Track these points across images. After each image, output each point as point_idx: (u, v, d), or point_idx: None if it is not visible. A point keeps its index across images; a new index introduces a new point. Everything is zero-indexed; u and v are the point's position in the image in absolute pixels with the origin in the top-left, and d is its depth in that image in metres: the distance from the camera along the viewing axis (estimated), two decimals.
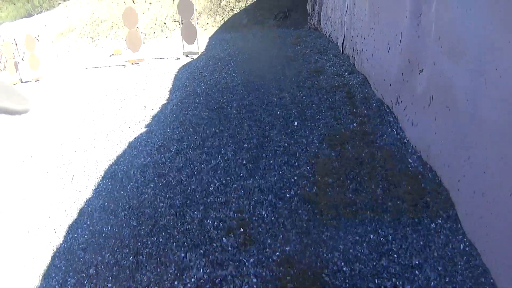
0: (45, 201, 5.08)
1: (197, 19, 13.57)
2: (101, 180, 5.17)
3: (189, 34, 9.80)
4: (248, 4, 13.86)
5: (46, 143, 6.57)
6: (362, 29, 6.49)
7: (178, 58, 9.91)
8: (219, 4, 14.21)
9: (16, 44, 16.69)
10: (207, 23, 13.69)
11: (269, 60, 8.44)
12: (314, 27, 11.51)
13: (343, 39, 8.14)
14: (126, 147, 5.64)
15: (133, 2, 16.13)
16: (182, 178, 4.58)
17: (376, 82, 5.77)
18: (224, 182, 4.36)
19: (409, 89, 4.42)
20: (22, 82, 12.69)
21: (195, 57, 9.69)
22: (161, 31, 14.40)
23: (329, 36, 9.79)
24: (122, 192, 4.68)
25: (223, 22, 13.59)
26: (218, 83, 7.28)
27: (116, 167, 5.28)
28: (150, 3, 15.74)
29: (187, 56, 9.89)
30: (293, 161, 4.51)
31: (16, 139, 7.15)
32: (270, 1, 13.66)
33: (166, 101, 6.87)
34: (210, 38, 12.13)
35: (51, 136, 6.77)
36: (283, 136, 5.04)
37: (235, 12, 13.75)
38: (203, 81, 7.54)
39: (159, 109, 6.57)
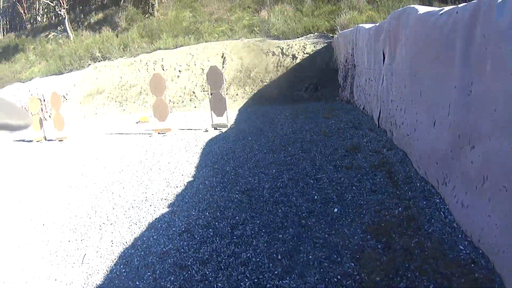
0: (51, 280, 4.50)
1: (227, 89, 13.48)
2: (114, 264, 4.61)
3: (218, 106, 9.59)
4: (278, 75, 13.78)
5: (60, 212, 6.10)
6: (401, 102, 6.14)
7: (206, 130, 9.66)
8: (249, 75, 14.18)
9: (44, 100, 16.92)
10: (237, 94, 13.59)
11: (302, 136, 8.07)
12: (346, 99, 11.23)
13: (379, 113, 7.78)
14: (145, 228, 5.13)
15: (163, 69, 16.31)
16: (207, 272, 4.00)
17: (419, 159, 5.32)
18: (256, 280, 3.76)
19: (458, 168, 4.00)
20: (46, 139, 12.63)
21: (224, 130, 9.43)
22: (190, 100, 14.35)
23: (363, 109, 9.46)
24: (137, 282, 4.10)
25: (253, 93, 13.48)
26: (249, 160, 6.86)
27: (132, 251, 4.73)
28: (179, 71, 15.87)
29: (215, 128, 9.64)
30: (335, 256, 3.93)
31: (29, 203, 6.70)
32: (300, 73, 13.57)
33: (192, 178, 6.43)
34: (239, 110, 11.94)
35: (66, 205, 6.30)
36: (323, 225, 4.49)
37: (265, 83, 13.66)
38: (232, 157, 7.14)
39: (184, 187, 6.11)
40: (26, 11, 40.69)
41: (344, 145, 7.11)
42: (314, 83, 12.99)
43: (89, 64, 19.36)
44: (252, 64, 14.57)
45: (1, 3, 43.28)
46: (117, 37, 20.85)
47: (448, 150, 4.21)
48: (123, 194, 6.32)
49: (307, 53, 14.28)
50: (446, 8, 4.32)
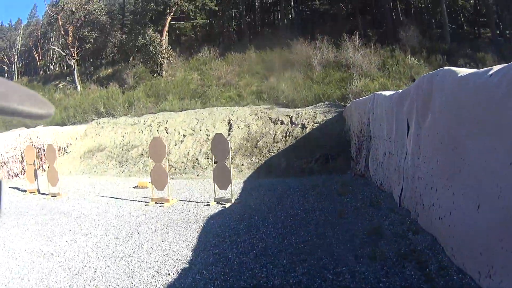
0: None
1: (232, 158, 12.80)
2: None
3: (222, 178, 8.85)
4: (287, 146, 13.16)
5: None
6: (432, 179, 5.37)
7: (208, 204, 8.84)
8: (256, 144, 13.57)
9: (44, 150, 16.24)
10: (242, 164, 12.91)
11: (316, 217, 7.25)
12: (360, 173, 10.48)
13: (401, 190, 7.02)
14: None
15: (166, 132, 15.78)
16: None
17: (455, 247, 4.49)
18: None
19: (507, 258, 3.32)
20: (39, 192, 12.02)
21: (227, 205, 8.61)
22: (193, 167, 13.65)
23: (381, 184, 8.70)
24: None
25: (259, 164, 12.79)
26: (255, 246, 5.97)
27: None
28: (183, 135, 15.30)
29: (218, 203, 8.83)
30: None
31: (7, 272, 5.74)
32: (310, 143, 12.94)
33: (187, 265, 5.51)
34: (245, 182, 11.18)
35: (39, 280, 5.34)
36: None
37: (273, 153, 13.00)
38: (236, 241, 6.24)
39: (177, 277, 5.18)
40: (41, 58, 41.44)
41: (364, 228, 6.29)
42: (325, 154, 12.32)
43: (93, 119, 18.97)
44: (260, 133, 14.01)
45: (19, 47, 44.25)
46: (123, 94, 20.62)
47: (495, 238, 3.48)
48: (106, 275, 5.38)
49: (317, 123, 13.74)
50: (497, 68, 3.64)
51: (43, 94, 26.66)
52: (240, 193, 9.79)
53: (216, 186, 8.97)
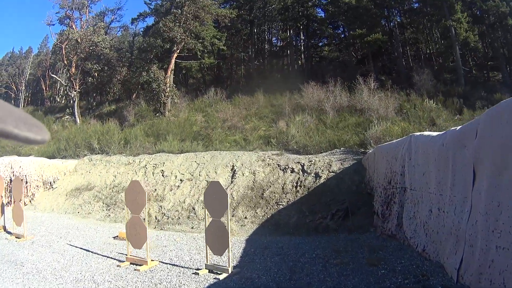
0: None
1: (233, 210, 10.72)
2: None
3: (217, 240, 6.76)
4: (298, 197, 11.11)
5: None
6: None
7: (197, 273, 6.66)
8: (262, 194, 11.54)
9: (26, 183, 14.31)
10: (245, 217, 10.83)
11: None
12: (390, 233, 8.39)
13: (461, 260, 5.00)
14: None
15: (162, 175, 13.82)
16: None
17: None
18: None
19: None
20: (5, 230, 10.35)
21: (222, 276, 6.42)
22: (188, 217, 11.57)
23: (423, 250, 6.64)
24: None
25: (265, 218, 10.69)
26: None
27: None
28: (180, 180, 13.33)
29: (210, 271, 6.67)
30: None
31: None
32: (325, 196, 10.91)
33: None
34: (247, 242, 9.07)
35: None
36: None
37: (281, 206, 10.93)
38: None
39: None
40: (48, 89, 40.37)
41: None
42: (343, 209, 10.24)
43: (85, 155, 17.12)
44: (267, 182, 12.00)
45: (27, 75, 43.34)
46: (121, 131, 18.83)
47: None
48: None
49: (332, 172, 11.75)
50: None
51: (45, 124, 25.16)
52: (240, 257, 7.66)
53: (208, 249, 6.87)
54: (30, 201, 14.42)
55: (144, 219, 7.36)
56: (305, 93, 19.53)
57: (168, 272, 6.80)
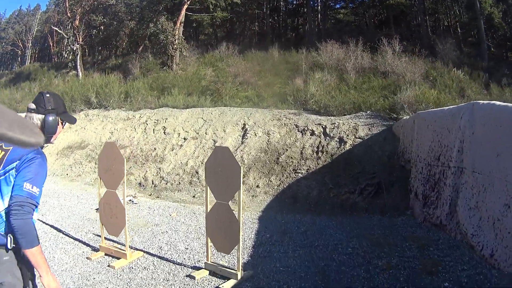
0: None
1: (243, 177, 8.49)
2: None
3: (223, 233, 4.48)
4: (319, 165, 8.85)
5: None
6: None
7: (193, 276, 4.42)
8: (277, 158, 9.28)
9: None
10: (257, 186, 8.61)
11: None
12: (436, 221, 6.17)
13: None
14: None
15: (164, 132, 11.58)
16: None
17: None
18: None
19: None
20: None
21: (228, 285, 4.17)
22: (190, 183, 9.38)
23: (491, 256, 4.39)
24: None
25: (281, 188, 8.46)
26: None
27: None
28: (184, 138, 11.08)
29: (212, 274, 4.46)
30: None
31: None
32: (352, 166, 8.66)
33: None
34: (261, 221, 6.84)
35: None
36: None
37: (300, 174, 8.69)
38: None
39: None
40: (55, 45, 37.76)
41: None
42: (374, 184, 8.01)
43: (82, 110, 14.80)
44: (283, 144, 9.71)
45: (34, 32, 40.71)
46: (123, 83, 16.46)
47: None
48: None
49: (359, 138, 9.42)
50: None
51: (40, 79, 22.82)
52: (252, 248, 5.42)
53: (210, 243, 4.61)
54: None
55: (122, 199, 5.03)
56: (323, 52, 16.90)
57: (152, 272, 4.61)
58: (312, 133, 9.88)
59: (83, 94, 15.23)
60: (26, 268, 2.25)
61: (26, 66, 32.02)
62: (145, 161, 10.78)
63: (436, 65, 16.93)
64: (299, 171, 8.74)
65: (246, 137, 10.19)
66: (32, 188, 2.12)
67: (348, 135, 9.56)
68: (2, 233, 2.13)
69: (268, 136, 9.98)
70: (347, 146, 9.26)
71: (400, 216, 7.00)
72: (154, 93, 14.79)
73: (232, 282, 4.13)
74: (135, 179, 10.14)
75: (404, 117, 9.70)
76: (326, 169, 8.71)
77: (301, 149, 9.41)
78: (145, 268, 4.72)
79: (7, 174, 2.17)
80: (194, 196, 8.70)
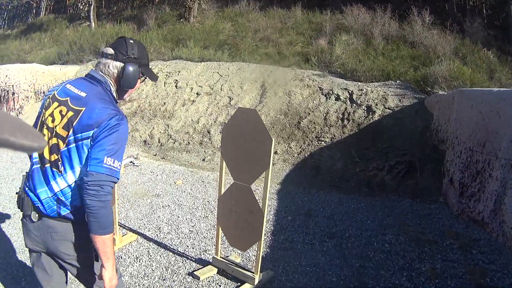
0: None
1: None
2: None
3: (239, 225, 3.25)
4: (345, 134, 7.59)
5: None
6: None
7: (197, 276, 3.24)
8: (299, 123, 8.01)
9: (13, 94, 11.07)
10: (275, 152, 7.38)
11: None
12: (477, 217, 4.98)
13: None
14: None
15: (176, 86, 10.26)
16: None
17: None
18: None
19: None
20: None
21: None
22: (200, 143, 8.19)
23: None
24: None
25: (302, 157, 7.23)
26: None
27: None
28: (197, 94, 9.82)
29: (220, 272, 3.32)
30: None
31: None
32: (380, 137, 7.41)
33: None
34: (280, 197, 5.64)
35: None
36: None
37: (323, 143, 7.45)
38: None
39: None
40: None
41: None
42: (406, 163, 6.77)
43: (90, 60, 13.45)
44: (305, 107, 8.42)
45: None
46: (136, 34, 15.02)
47: None
48: None
49: (389, 108, 8.11)
50: None
51: (52, 29, 21.29)
52: (271, 235, 4.29)
53: (222, 236, 3.45)
54: (17, 116, 11.11)
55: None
56: (349, 14, 15.23)
57: (145, 267, 3.48)
58: (337, 98, 8.56)
59: (92, 44, 13.80)
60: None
61: (40, 17, 30.25)
62: (152, 116, 9.56)
63: (465, 42, 15.30)
64: (322, 139, 7.49)
65: (264, 96, 8.86)
66: (113, 163, 1.73)
67: (377, 104, 8.24)
68: (68, 207, 1.80)
69: (289, 97, 8.66)
70: (376, 117, 7.96)
71: (433, 203, 5.81)
72: (168, 44, 13.36)
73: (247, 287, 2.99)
74: (140, 136, 8.96)
75: (439, 92, 8.33)
76: (352, 139, 7.45)
77: (324, 114, 8.12)
78: (137, 258, 3.59)
79: (79, 142, 1.76)
80: (204, 160, 7.51)
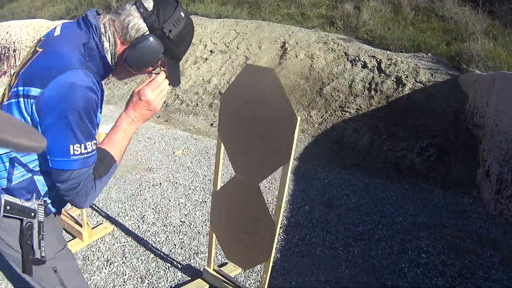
0: None
1: None
2: None
3: (240, 241, 2.12)
4: (372, 106, 6.44)
5: None
6: None
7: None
8: (321, 89, 6.85)
9: (14, 51, 9.97)
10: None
11: None
12: (511, 221, 4.01)
13: None
14: None
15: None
16: None
17: None
18: None
19: None
20: None
21: None
22: (209, 106, 7.09)
23: None
24: None
25: (323, 128, 6.11)
26: None
27: None
28: (211, 51, 8.64)
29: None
30: None
31: None
32: (411, 114, 6.26)
33: None
34: (297, 176, 4.55)
35: None
36: None
37: (348, 114, 6.31)
38: None
39: None
40: None
41: None
42: (438, 146, 5.66)
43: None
44: (328, 73, 7.23)
45: None
46: None
47: None
48: None
49: (420, 82, 6.90)
50: None
51: None
52: (283, 231, 3.32)
53: (217, 243, 2.33)
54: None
55: None
56: None
57: (114, 276, 2.53)
58: (364, 66, 7.34)
59: None
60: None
61: None
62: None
63: (495, 23, 13.77)
64: (346, 109, 6.35)
65: (284, 58, 7.62)
66: (84, 148, 1.16)
67: (407, 77, 7.03)
68: None
69: (312, 61, 7.45)
70: (406, 90, 6.77)
71: (466, 196, 4.75)
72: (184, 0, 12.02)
73: None
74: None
75: (476, 71, 7.08)
76: (380, 113, 6.30)
77: (350, 82, 6.94)
78: (107, 261, 2.60)
79: (19, 99, 1.15)
80: (212, 125, 6.41)
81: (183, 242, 3.00)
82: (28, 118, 1.13)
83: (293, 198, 3.99)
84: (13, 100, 1.14)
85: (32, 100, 1.10)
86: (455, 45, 8.95)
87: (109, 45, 1.25)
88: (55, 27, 1.27)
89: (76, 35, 1.21)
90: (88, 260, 2.69)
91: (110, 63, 1.25)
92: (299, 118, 2.00)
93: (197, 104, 7.19)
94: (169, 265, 2.74)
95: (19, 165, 1.20)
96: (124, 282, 2.44)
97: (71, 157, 1.11)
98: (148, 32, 1.22)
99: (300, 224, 3.45)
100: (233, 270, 2.60)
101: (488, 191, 4.69)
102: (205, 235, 3.08)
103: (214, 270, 2.42)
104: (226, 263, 2.67)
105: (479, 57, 7.96)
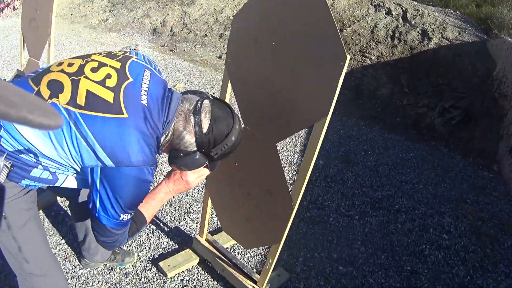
0: None
1: None
2: None
3: (244, 216, 1.37)
4: (395, 56, 5.47)
5: None
6: None
7: (163, 271, 1.42)
8: (341, 31, 5.81)
9: None
10: None
11: None
12: None
13: None
14: None
15: None
16: None
17: None
18: None
19: None
20: None
21: None
22: (219, 37, 6.03)
23: None
24: None
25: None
26: None
27: None
28: None
29: (202, 263, 1.48)
30: None
31: None
32: (436, 70, 5.35)
33: None
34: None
35: None
36: None
37: (368, 61, 5.34)
38: None
39: None
40: None
41: None
42: (462, 110, 4.81)
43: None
44: (349, 15, 6.15)
45: None
46: None
47: None
48: None
49: (447, 39, 5.91)
50: None
51: None
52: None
53: (207, 213, 1.55)
54: (14, 8, 8.47)
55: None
56: None
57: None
58: (389, 12, 6.27)
59: None
60: None
61: None
62: (169, 1, 7.22)
63: None
64: (367, 55, 5.37)
65: None
66: (127, 216, 1.18)
67: (433, 31, 6.02)
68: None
69: (333, 0, 6.35)
70: (432, 44, 5.79)
71: (486, 169, 4.00)
72: None
73: None
74: (151, 23, 6.73)
75: (508, 39, 6.12)
76: (403, 64, 5.35)
77: (372, 27, 5.90)
78: None
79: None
80: (220, 57, 5.39)
81: (173, 197, 2.18)
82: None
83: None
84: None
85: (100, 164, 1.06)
86: (485, 7, 7.85)
87: (164, 139, 1.20)
88: (139, 54, 1.25)
89: (157, 112, 1.13)
90: (58, 218, 1.97)
91: (158, 150, 1.21)
92: (348, 57, 1.18)
93: (206, 34, 6.10)
94: (154, 227, 2.00)
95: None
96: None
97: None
98: (195, 149, 1.18)
99: (313, 182, 2.69)
100: (229, 240, 1.84)
101: (510, 168, 3.95)
102: (201, 190, 2.28)
103: (206, 240, 1.70)
104: (220, 233, 1.92)
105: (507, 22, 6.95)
